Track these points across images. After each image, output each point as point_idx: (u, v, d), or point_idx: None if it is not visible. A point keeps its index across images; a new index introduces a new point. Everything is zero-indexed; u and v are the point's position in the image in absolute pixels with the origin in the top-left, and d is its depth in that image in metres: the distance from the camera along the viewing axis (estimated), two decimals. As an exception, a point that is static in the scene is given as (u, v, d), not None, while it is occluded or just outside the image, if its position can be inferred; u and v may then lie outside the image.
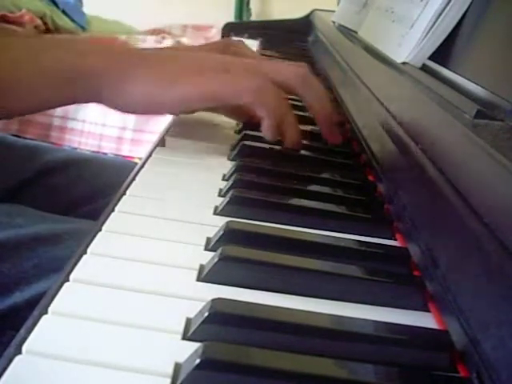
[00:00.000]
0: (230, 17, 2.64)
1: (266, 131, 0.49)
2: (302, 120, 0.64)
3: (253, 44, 1.10)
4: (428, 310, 0.32)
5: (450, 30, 0.51)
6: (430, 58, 0.53)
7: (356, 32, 0.81)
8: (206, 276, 0.32)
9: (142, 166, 0.47)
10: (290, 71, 0.52)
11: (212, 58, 0.51)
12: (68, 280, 0.30)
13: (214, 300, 0.28)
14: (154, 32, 2.49)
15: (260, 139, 0.52)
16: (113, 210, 0.39)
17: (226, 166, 0.48)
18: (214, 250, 0.34)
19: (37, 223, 0.57)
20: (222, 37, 1.28)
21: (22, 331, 0.26)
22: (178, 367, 0.25)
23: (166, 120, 0.62)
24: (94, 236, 0.35)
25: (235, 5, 2.75)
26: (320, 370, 0.25)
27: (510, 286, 0.25)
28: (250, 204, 0.40)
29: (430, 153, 0.38)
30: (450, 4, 0.50)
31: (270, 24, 0.97)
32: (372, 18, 0.75)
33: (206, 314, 0.27)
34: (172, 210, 0.40)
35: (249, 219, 0.39)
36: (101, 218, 0.38)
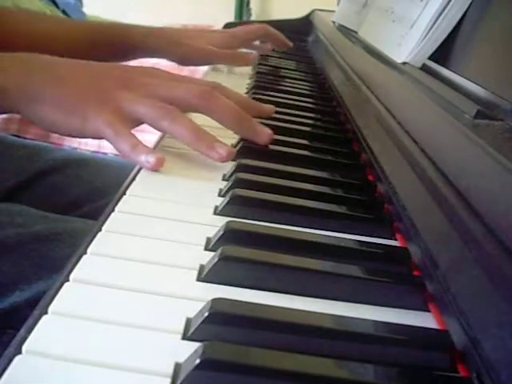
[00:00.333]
0: (230, 17, 2.64)
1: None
2: (303, 120, 0.64)
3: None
4: (428, 310, 0.32)
5: (450, 29, 0.51)
6: (430, 57, 0.53)
7: (356, 32, 0.81)
8: (206, 276, 0.32)
9: (142, 166, 0.47)
10: (189, 91, 0.50)
11: (112, 76, 0.50)
12: (68, 280, 0.30)
13: (213, 300, 0.28)
14: (154, 32, 2.48)
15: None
16: (113, 210, 0.39)
17: (226, 165, 0.48)
18: (214, 250, 0.34)
19: (37, 223, 0.57)
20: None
21: (22, 331, 0.26)
22: (178, 367, 0.25)
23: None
24: (94, 236, 0.35)
25: (235, 5, 2.76)
26: (320, 369, 0.25)
27: (510, 286, 0.25)
28: (250, 204, 0.40)
29: (429, 153, 0.38)
30: (450, 4, 0.50)
31: (270, 24, 0.96)
32: (372, 18, 0.75)
33: (206, 314, 0.27)
34: (172, 209, 0.40)
35: (249, 219, 0.39)
36: (101, 218, 0.38)
